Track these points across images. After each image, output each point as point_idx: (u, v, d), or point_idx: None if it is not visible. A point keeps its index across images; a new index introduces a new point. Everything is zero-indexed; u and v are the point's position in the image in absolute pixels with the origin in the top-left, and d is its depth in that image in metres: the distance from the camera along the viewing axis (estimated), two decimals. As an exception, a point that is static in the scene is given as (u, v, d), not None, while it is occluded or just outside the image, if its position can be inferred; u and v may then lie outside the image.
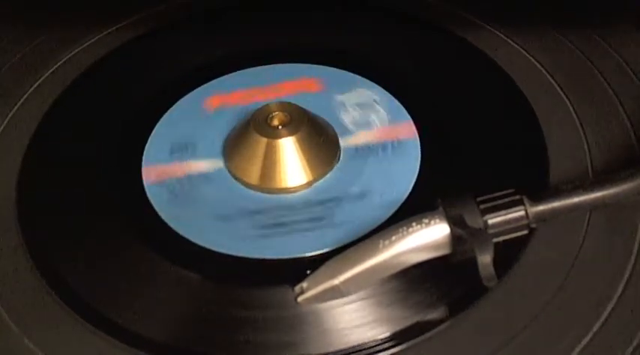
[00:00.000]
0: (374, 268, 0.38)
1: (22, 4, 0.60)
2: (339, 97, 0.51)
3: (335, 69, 0.52)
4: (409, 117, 0.49)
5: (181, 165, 0.47)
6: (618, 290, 0.40)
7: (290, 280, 0.41)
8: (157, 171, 0.47)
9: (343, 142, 0.48)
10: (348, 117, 0.49)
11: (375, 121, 0.49)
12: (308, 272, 0.40)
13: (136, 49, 0.56)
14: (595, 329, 0.39)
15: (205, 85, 0.52)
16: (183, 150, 0.48)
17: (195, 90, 0.52)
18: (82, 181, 0.47)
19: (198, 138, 0.49)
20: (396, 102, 0.50)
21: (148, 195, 0.46)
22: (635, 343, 0.38)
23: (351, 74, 0.52)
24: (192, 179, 0.46)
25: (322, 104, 0.50)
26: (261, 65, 0.53)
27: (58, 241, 0.44)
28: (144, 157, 0.48)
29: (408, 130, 0.48)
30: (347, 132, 0.49)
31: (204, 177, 0.47)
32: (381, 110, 0.49)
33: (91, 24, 0.57)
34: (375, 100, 0.50)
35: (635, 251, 0.42)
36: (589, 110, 0.49)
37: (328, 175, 0.46)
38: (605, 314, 0.39)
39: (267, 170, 0.45)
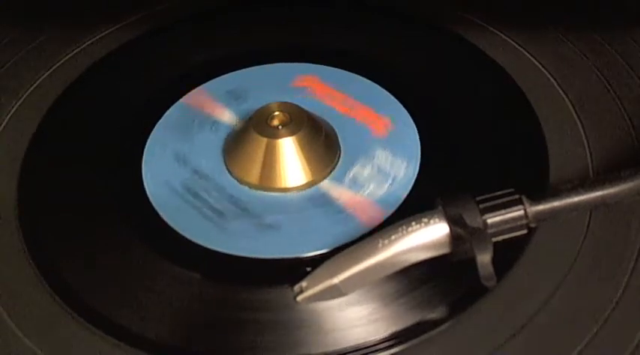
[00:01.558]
0: (373, 267, 0.38)
1: (22, 4, 0.60)
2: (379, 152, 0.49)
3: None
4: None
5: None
6: (618, 291, 0.40)
7: (290, 280, 0.41)
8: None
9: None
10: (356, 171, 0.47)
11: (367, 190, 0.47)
12: (308, 269, 0.40)
13: (136, 48, 0.56)
14: (595, 329, 0.39)
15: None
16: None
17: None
18: (82, 181, 0.47)
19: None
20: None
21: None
22: (635, 343, 0.38)
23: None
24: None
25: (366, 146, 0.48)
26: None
27: (58, 241, 0.44)
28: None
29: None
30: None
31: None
32: (384, 188, 0.46)
33: (91, 24, 0.57)
34: (394, 176, 0.46)
35: (635, 251, 0.42)
36: (589, 110, 0.49)
37: (328, 175, 0.46)
38: (606, 314, 0.39)
39: (267, 170, 0.45)
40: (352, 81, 0.52)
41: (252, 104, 0.50)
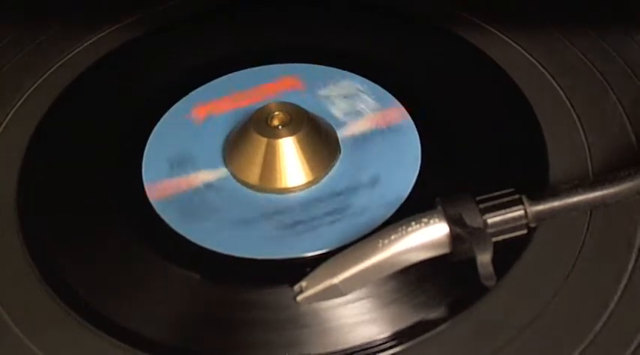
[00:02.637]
0: (373, 267, 0.38)
1: (22, 4, 0.60)
2: (323, 92, 0.51)
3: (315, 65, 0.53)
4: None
5: (182, 179, 0.47)
6: (619, 291, 0.40)
7: (290, 280, 0.41)
8: (159, 186, 0.47)
9: (339, 134, 0.48)
10: (337, 110, 0.49)
11: (364, 109, 0.50)
12: (308, 270, 0.40)
13: (136, 49, 0.56)
14: (596, 329, 0.39)
15: (189, 96, 0.52)
16: (181, 163, 0.48)
17: (180, 101, 0.52)
18: (82, 181, 0.47)
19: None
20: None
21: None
22: (635, 343, 0.38)
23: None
24: (193, 187, 0.46)
25: (306, 100, 0.50)
26: (236, 71, 0.53)
27: (58, 241, 0.44)
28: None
29: (398, 113, 0.49)
30: (340, 123, 0.49)
31: (205, 184, 0.47)
32: (368, 99, 0.50)
33: (91, 24, 0.57)
34: (359, 90, 0.50)
35: (635, 251, 0.42)
36: (589, 110, 0.49)
37: (327, 175, 0.46)
38: (606, 314, 0.39)
39: (267, 170, 0.45)
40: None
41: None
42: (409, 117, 0.49)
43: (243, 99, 0.51)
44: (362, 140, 0.48)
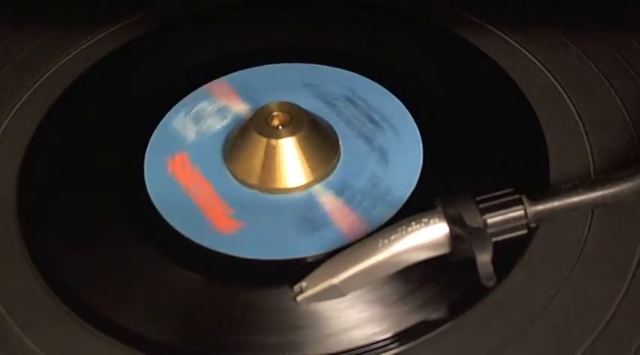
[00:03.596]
0: (373, 267, 0.38)
1: (22, 4, 0.60)
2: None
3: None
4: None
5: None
6: (621, 291, 0.40)
7: (290, 280, 0.41)
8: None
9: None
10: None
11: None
12: (308, 268, 0.40)
13: (136, 49, 0.56)
14: (597, 329, 0.39)
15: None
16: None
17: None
18: (82, 181, 0.47)
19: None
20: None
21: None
22: (637, 344, 0.38)
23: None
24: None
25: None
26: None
27: (57, 241, 0.44)
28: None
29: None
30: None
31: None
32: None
33: (91, 24, 0.57)
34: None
35: (637, 252, 0.42)
36: (590, 110, 0.49)
37: (327, 175, 0.46)
38: (608, 314, 0.39)
39: (267, 170, 0.45)
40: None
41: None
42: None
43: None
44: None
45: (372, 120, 0.49)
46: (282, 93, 0.50)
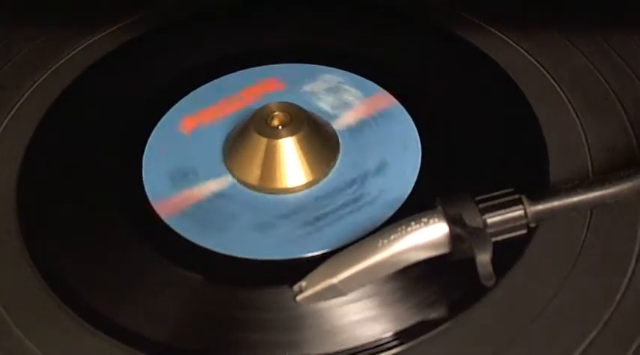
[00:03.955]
0: (373, 267, 0.38)
1: (22, 4, 0.60)
2: (306, 88, 0.51)
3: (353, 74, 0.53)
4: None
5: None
6: (620, 291, 0.40)
7: (290, 280, 0.41)
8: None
9: (335, 126, 0.49)
10: (325, 104, 0.50)
11: (351, 99, 0.50)
12: (308, 268, 0.40)
13: (136, 49, 0.56)
14: (597, 329, 0.39)
15: (175, 107, 0.52)
16: (182, 177, 0.48)
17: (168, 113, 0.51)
18: (82, 181, 0.47)
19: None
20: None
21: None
22: (636, 344, 0.38)
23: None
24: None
25: (292, 99, 0.49)
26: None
27: (57, 241, 0.44)
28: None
29: (385, 99, 0.50)
30: (332, 116, 0.49)
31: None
32: (351, 88, 0.50)
33: (91, 24, 0.57)
34: (339, 81, 0.51)
35: (635, 251, 0.42)
36: (589, 110, 0.49)
37: (327, 175, 0.46)
38: (607, 314, 0.39)
39: (267, 170, 0.45)
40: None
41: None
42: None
43: (228, 106, 0.51)
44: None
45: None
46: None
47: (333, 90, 0.51)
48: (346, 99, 0.50)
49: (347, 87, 0.51)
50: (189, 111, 0.51)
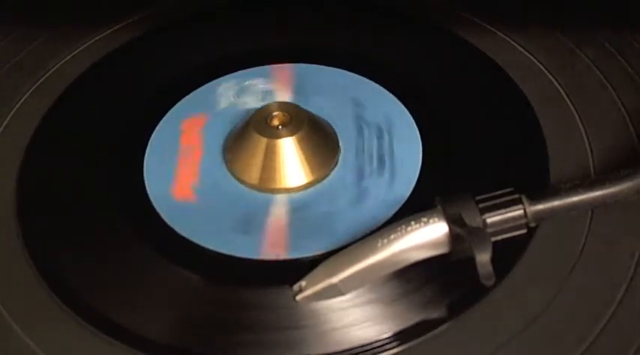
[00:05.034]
0: (372, 267, 0.38)
1: (22, 4, 0.60)
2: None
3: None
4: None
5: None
6: (620, 291, 0.40)
7: (290, 280, 0.41)
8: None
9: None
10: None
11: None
12: (308, 268, 0.40)
13: (136, 48, 0.56)
14: (597, 329, 0.39)
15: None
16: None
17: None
18: (82, 181, 0.47)
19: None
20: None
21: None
22: (637, 345, 0.38)
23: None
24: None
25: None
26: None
27: (57, 241, 0.44)
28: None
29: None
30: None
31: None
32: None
33: (91, 24, 0.57)
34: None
35: (636, 251, 0.42)
36: (590, 110, 0.49)
37: (327, 175, 0.46)
38: (608, 314, 0.39)
39: (267, 170, 0.45)
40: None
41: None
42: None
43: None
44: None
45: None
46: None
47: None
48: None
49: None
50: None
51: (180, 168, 0.47)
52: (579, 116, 0.49)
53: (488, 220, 0.38)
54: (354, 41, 0.54)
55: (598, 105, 0.49)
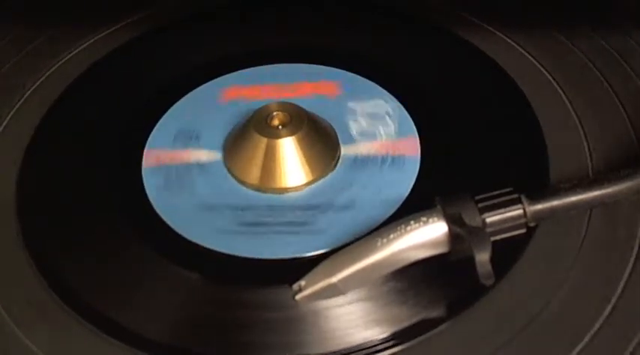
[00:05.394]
0: (372, 266, 0.38)
1: (22, 4, 0.60)
2: (352, 105, 0.51)
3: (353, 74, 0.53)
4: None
5: (181, 153, 0.48)
6: (619, 290, 0.40)
7: (290, 280, 0.41)
8: (157, 155, 0.48)
9: (345, 150, 0.48)
10: (355, 126, 0.49)
11: (381, 133, 0.49)
12: (308, 267, 0.40)
13: (136, 48, 0.56)
14: (596, 328, 0.39)
15: (224, 77, 0.53)
16: (187, 138, 0.49)
17: (212, 81, 0.52)
18: (82, 181, 0.47)
19: (204, 128, 0.49)
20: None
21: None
22: (635, 343, 0.38)
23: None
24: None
25: (334, 109, 0.50)
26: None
27: (57, 241, 0.44)
28: (147, 142, 0.49)
29: (411, 145, 0.48)
30: (350, 140, 0.48)
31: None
32: (392, 124, 0.49)
33: (91, 24, 0.57)
34: (387, 112, 0.50)
35: (635, 251, 0.42)
36: (589, 110, 0.49)
37: (328, 174, 0.46)
38: (605, 313, 0.39)
39: (267, 170, 0.45)
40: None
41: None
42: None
43: (276, 91, 0.51)
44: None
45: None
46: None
47: (373, 117, 0.50)
48: (377, 130, 0.49)
49: (388, 120, 0.49)
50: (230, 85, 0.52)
51: (180, 167, 0.48)
52: (578, 116, 0.49)
53: (488, 220, 0.38)
54: (354, 41, 0.55)
55: (598, 106, 0.49)
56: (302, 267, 0.41)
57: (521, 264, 0.42)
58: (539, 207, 0.39)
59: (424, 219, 0.38)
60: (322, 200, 0.45)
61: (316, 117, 0.48)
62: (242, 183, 0.46)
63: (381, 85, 0.51)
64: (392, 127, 0.49)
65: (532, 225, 0.39)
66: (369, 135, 0.49)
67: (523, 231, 0.39)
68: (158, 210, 0.45)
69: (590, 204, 0.39)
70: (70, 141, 0.50)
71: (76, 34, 0.57)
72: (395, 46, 0.54)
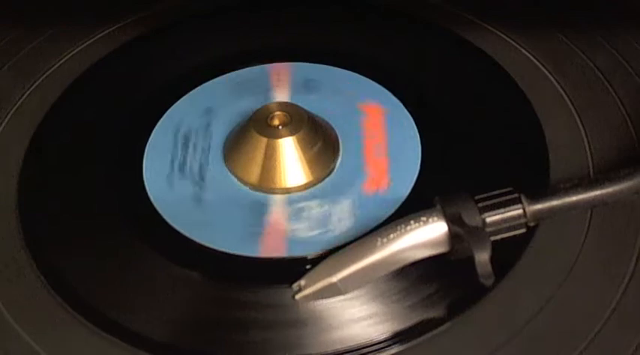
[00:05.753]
0: (372, 266, 0.38)
1: (22, 4, 0.60)
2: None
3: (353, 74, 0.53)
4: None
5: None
6: (619, 291, 0.40)
7: (290, 280, 0.41)
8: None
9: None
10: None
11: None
12: (308, 267, 0.40)
13: (136, 49, 0.56)
14: (596, 329, 0.39)
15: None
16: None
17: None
18: (82, 181, 0.47)
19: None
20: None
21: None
22: (636, 344, 0.38)
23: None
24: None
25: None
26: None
27: (58, 241, 0.44)
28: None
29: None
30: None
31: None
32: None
33: (91, 24, 0.57)
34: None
35: (635, 252, 0.42)
36: (589, 110, 0.49)
37: (327, 175, 0.46)
38: (607, 314, 0.39)
39: (267, 170, 0.45)
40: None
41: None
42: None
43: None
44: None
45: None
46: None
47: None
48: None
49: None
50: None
51: (180, 167, 0.48)
52: (579, 116, 0.49)
53: (488, 219, 0.38)
54: (354, 41, 0.55)
55: (598, 105, 0.49)
56: (301, 267, 0.41)
57: (521, 264, 0.42)
58: (539, 206, 0.39)
59: (424, 218, 0.38)
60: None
61: (316, 117, 0.48)
62: (242, 182, 0.46)
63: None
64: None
65: (532, 224, 0.39)
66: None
67: (523, 230, 0.39)
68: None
69: (590, 204, 0.39)
70: (71, 141, 0.50)
71: (76, 34, 0.57)
72: (395, 46, 0.54)
